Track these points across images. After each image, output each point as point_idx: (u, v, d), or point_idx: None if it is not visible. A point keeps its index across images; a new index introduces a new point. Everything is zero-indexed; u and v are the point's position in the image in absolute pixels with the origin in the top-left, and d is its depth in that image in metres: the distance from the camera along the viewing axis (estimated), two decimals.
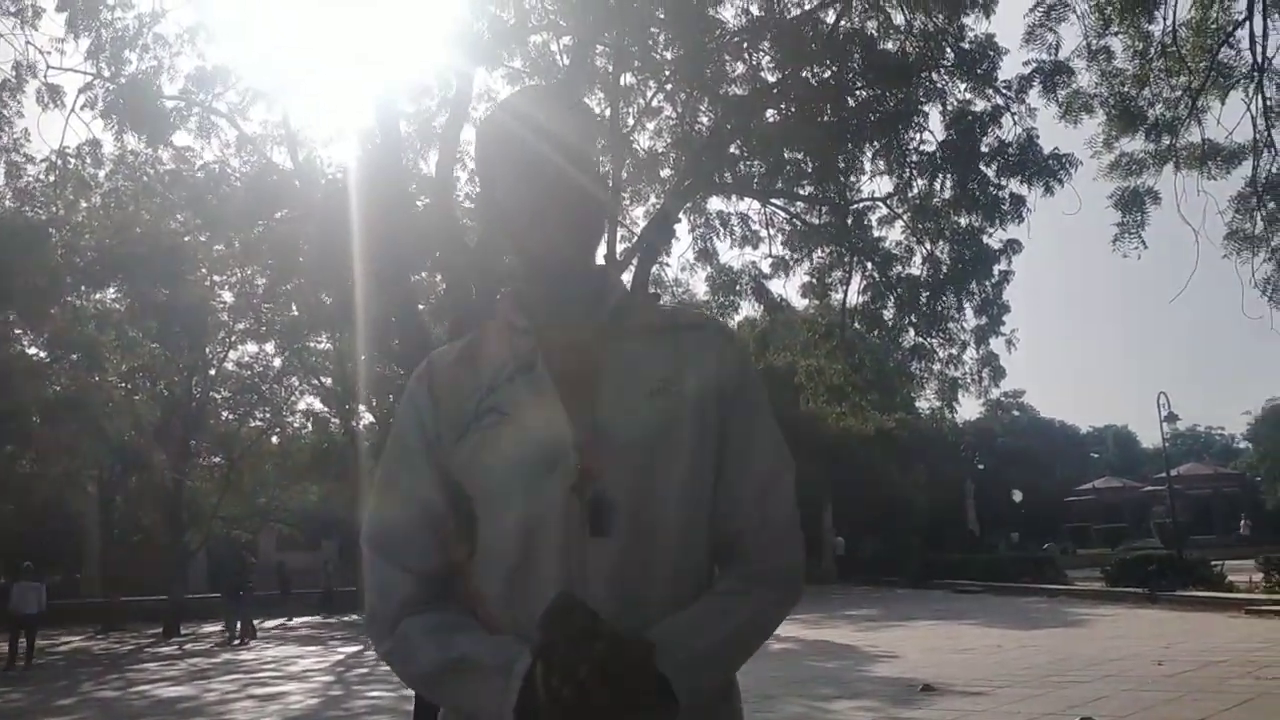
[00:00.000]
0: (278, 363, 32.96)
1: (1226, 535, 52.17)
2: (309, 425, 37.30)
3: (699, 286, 15.14)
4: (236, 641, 25.56)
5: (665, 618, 1.48)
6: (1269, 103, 11.09)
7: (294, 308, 25.74)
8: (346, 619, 33.31)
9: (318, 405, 35.93)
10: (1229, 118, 30.38)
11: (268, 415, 36.02)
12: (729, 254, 17.50)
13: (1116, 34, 11.23)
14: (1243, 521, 56.86)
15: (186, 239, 22.75)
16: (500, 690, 1.40)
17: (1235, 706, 9.18)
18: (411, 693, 10.25)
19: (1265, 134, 11.17)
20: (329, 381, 32.59)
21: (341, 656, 20.77)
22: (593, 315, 1.62)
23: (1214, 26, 11.15)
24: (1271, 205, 11.40)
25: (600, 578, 1.47)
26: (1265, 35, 10.82)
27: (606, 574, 1.47)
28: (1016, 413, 64.82)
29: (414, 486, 1.60)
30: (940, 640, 16.68)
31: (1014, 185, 11.90)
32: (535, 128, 1.59)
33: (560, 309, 1.62)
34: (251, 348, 32.77)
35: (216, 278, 26.78)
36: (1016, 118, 11.73)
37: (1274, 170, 11.43)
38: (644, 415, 1.52)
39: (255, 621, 27.85)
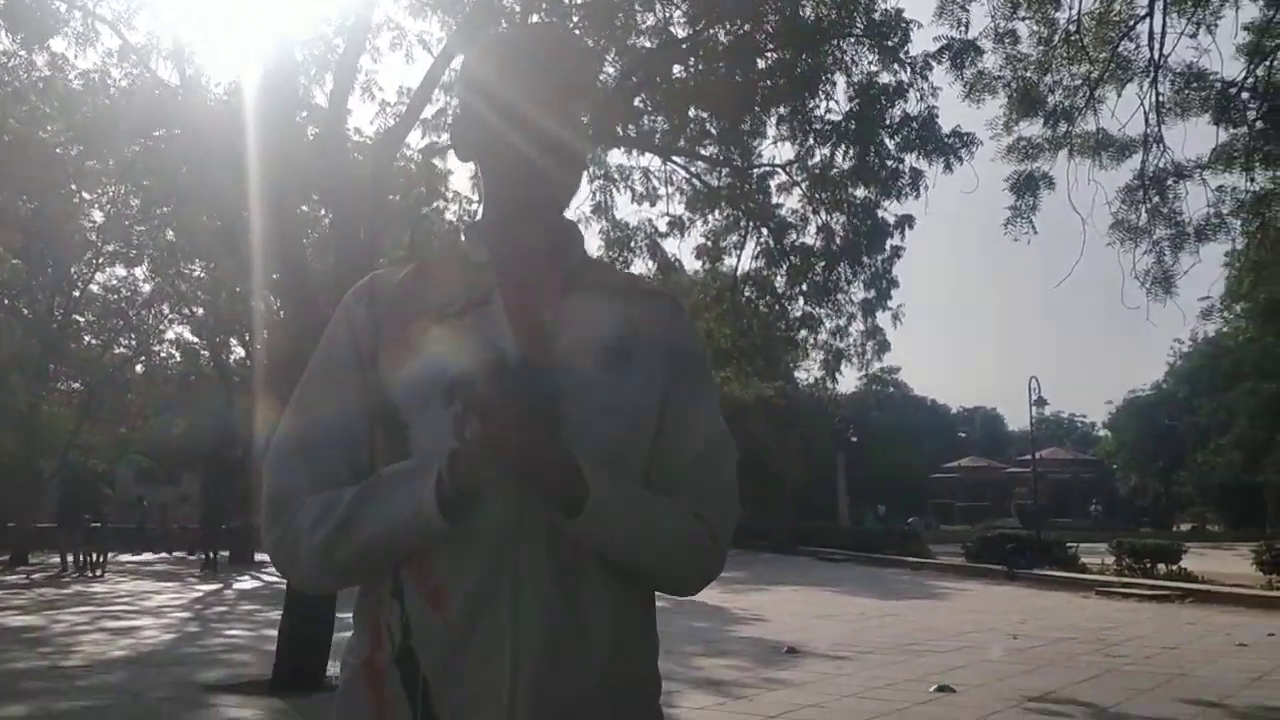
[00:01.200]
0: (147, 288, 31.62)
1: (1081, 519, 54.47)
2: (177, 355, 36.09)
3: (593, 241, 14.97)
4: (74, 575, 24.76)
5: (594, 569, 1.39)
6: (1161, 99, 11.35)
7: (169, 232, 24.70)
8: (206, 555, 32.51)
9: (188, 335, 34.77)
10: (1123, 110, 31.25)
11: (133, 342, 34.68)
12: (626, 209, 17.32)
13: (1024, 18, 11.36)
14: (1094, 506, 59.46)
15: (58, 150, 21.58)
16: (417, 487, 1.33)
17: (1084, 681, 9.49)
18: (273, 631, 9.97)
19: (1156, 129, 11.45)
20: (200, 312, 31.45)
21: (200, 594, 20.21)
22: (555, 260, 1.55)
23: (1117, 19, 11.35)
24: (1156, 199, 11.69)
25: (535, 520, 1.36)
26: (1163, 32, 11.05)
27: (544, 542, 1.36)
28: (891, 389, 66.27)
29: (335, 405, 1.48)
30: (806, 606, 16.96)
31: (914, 161, 11.98)
32: (537, 68, 1.51)
33: (522, 253, 1.54)
34: (120, 271, 31.40)
35: (87, 195, 25.48)
36: (921, 94, 11.79)
37: (1161, 165, 11.73)
38: (594, 369, 1.45)
39: (111, 555, 27.03)
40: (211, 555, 27.93)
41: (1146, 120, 11.49)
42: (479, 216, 1.63)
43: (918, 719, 7.69)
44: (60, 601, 18.42)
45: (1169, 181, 11.71)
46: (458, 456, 1.32)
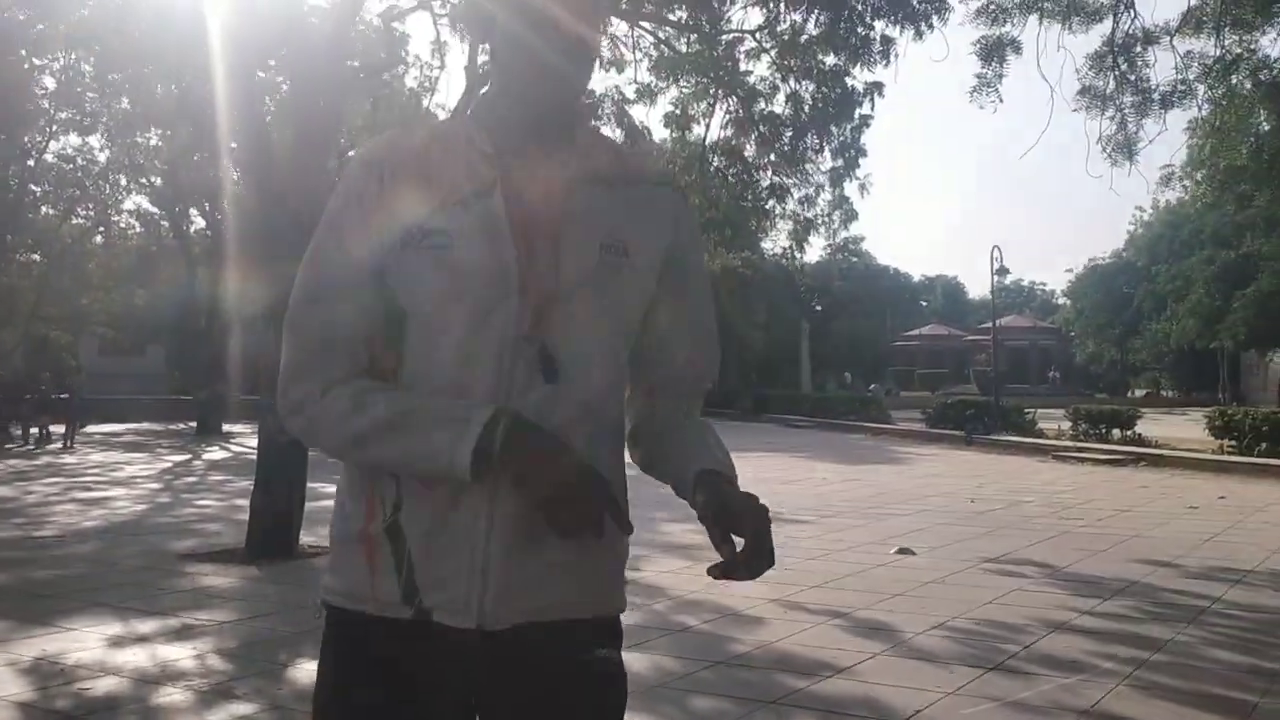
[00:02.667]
0: (104, 157, 30.88)
1: (1039, 385, 55.41)
2: (137, 226, 35.50)
3: None
4: (30, 447, 24.86)
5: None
6: None
7: (124, 100, 24.03)
8: (174, 427, 32.61)
9: (147, 205, 34.14)
10: None
11: (92, 213, 34.04)
12: (593, 77, 17.03)
13: None
14: (1053, 373, 60.40)
15: (5, 15, 20.80)
16: (454, 442, 1.41)
17: (1039, 543, 9.82)
18: (243, 501, 10.09)
19: None
20: (159, 181, 30.81)
21: (169, 465, 20.32)
22: (559, 150, 1.57)
23: None
24: (1124, 66, 11.63)
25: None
26: None
27: (536, 420, 1.45)
28: (855, 259, 66.45)
29: (345, 269, 1.52)
30: (770, 472, 17.30)
31: (884, 27, 11.81)
32: None
33: (529, 138, 1.56)
34: (75, 140, 30.63)
35: (37, 60, 24.68)
36: None
37: (1130, 31, 11.63)
38: (594, 268, 1.51)
39: (80, 426, 27.04)
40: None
41: None
42: (487, 92, 1.65)
43: (879, 580, 7.95)
44: (31, 473, 18.48)
45: (1137, 48, 11.64)
46: (505, 459, 1.41)
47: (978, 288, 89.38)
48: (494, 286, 1.47)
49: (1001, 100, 11.66)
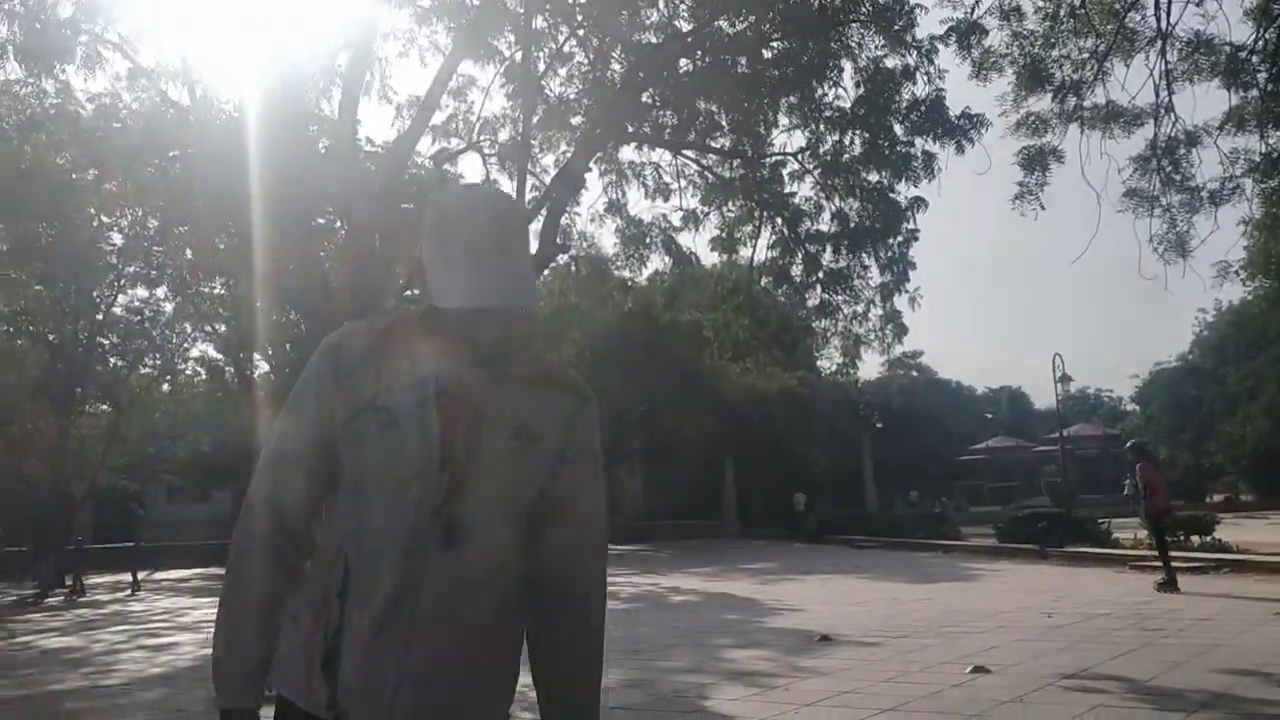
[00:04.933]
0: (169, 308, 31.82)
1: (1113, 495, 54.02)
2: (202, 373, 36.27)
3: (607, 239, 15.01)
4: (65, 598, 24.79)
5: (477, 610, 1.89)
6: (1170, 67, 11.28)
7: (188, 252, 24.85)
8: None
9: (212, 353, 34.95)
10: (1133, 82, 31.01)
11: (158, 362, 34.90)
12: (639, 205, 17.34)
13: None
14: (1128, 481, 58.82)
15: (74, 177, 21.73)
16: (219, 685, 1.92)
17: (1119, 656, 9.43)
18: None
19: (1166, 98, 11.39)
20: (223, 329, 31.61)
21: None
22: (485, 359, 1.92)
23: None
24: (1169, 167, 11.63)
25: (434, 584, 1.83)
26: (1169, 2, 10.99)
27: (439, 583, 1.84)
28: (915, 373, 66.01)
29: (298, 439, 1.95)
30: (837, 594, 16.92)
31: (925, 144, 11.96)
32: (492, 214, 1.91)
33: (461, 348, 1.91)
34: (142, 292, 31.62)
35: (105, 218, 25.65)
36: (929, 76, 11.76)
37: (1172, 134, 11.66)
38: (504, 457, 1.89)
39: (142, 575, 27.20)
40: None
41: (1156, 90, 11.46)
42: (433, 306, 1.94)
43: (953, 701, 7.66)
44: (98, 621, 18.59)
45: (1180, 150, 11.65)
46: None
47: (1043, 398, 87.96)
48: (420, 462, 1.83)
49: (1044, 207, 11.67)
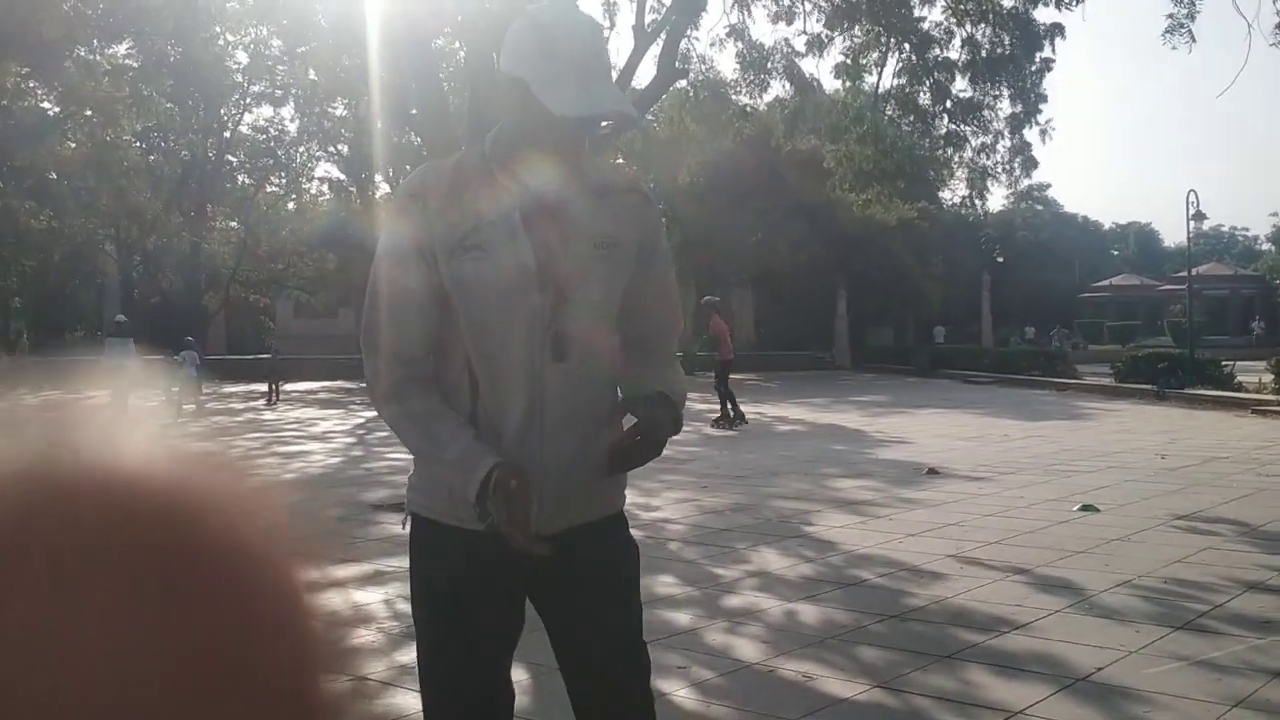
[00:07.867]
0: (294, 128, 32.35)
1: (1240, 337, 52.33)
2: (326, 192, 37.04)
3: (727, 64, 14.67)
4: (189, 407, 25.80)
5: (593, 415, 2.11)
6: None
7: (311, 72, 25.08)
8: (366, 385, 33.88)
9: (335, 173, 35.59)
10: None
11: (284, 180, 35.69)
12: (761, 30, 16.86)
13: None
14: (1255, 323, 56.86)
15: None
16: (467, 480, 1.97)
17: (1234, 500, 9.34)
18: None
19: None
20: (345, 149, 32.08)
21: (362, 420, 21.25)
22: (562, 177, 2.05)
23: None
24: None
25: (554, 392, 2.04)
26: None
27: (558, 390, 2.04)
28: (1040, 206, 63.91)
29: (406, 288, 2.05)
30: (947, 428, 16.94)
31: None
32: (593, 30, 2.08)
33: (539, 169, 2.03)
34: (267, 111, 32.19)
35: (230, 37, 25.99)
36: None
37: None
38: (592, 266, 2.06)
39: (280, 384, 28.36)
40: None
41: None
42: (501, 130, 2.09)
43: (1059, 537, 7.74)
44: (234, 429, 19.64)
45: None
46: (493, 512, 1.94)
47: (1173, 235, 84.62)
48: (523, 288, 1.99)
49: (1195, 40, 11.01)
